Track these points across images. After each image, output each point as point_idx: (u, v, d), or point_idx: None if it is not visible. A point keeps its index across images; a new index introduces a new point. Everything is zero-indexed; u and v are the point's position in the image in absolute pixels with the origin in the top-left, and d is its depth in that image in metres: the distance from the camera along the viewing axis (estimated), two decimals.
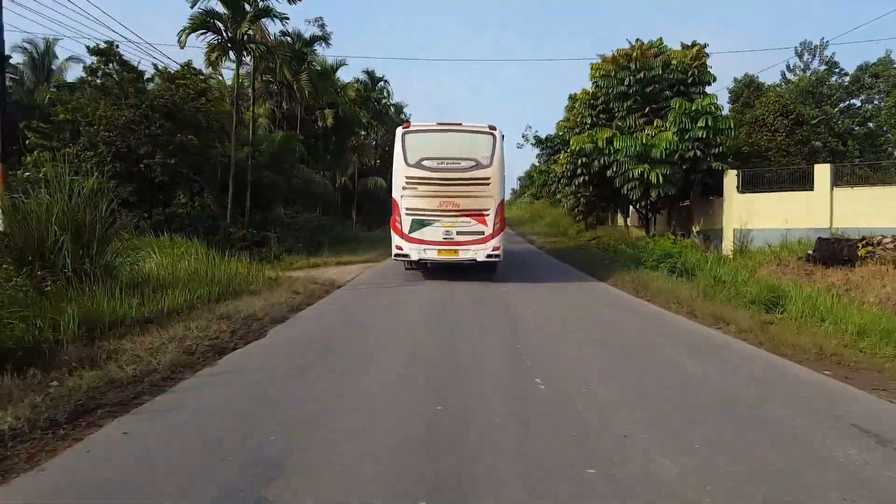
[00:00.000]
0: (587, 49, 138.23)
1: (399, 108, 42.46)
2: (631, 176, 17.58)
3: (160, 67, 16.90)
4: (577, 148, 18.92)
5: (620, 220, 32.23)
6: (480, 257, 11.07)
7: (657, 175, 16.94)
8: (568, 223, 36.06)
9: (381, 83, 37.62)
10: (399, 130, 11.35)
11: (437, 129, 11.16)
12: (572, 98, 24.77)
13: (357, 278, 12.48)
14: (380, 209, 37.96)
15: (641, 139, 17.41)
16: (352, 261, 16.43)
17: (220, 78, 23.79)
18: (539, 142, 22.14)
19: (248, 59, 18.19)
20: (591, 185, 20.14)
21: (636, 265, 13.53)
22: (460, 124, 11.17)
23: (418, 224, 10.98)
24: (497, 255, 11.19)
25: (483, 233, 11.00)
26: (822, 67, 38.03)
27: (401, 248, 11.19)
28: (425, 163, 10.93)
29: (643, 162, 17.41)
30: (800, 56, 39.71)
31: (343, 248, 19.44)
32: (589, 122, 20.79)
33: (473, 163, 10.93)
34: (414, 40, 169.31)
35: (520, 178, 73.34)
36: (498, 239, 11.11)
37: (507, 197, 61.57)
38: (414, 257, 11.17)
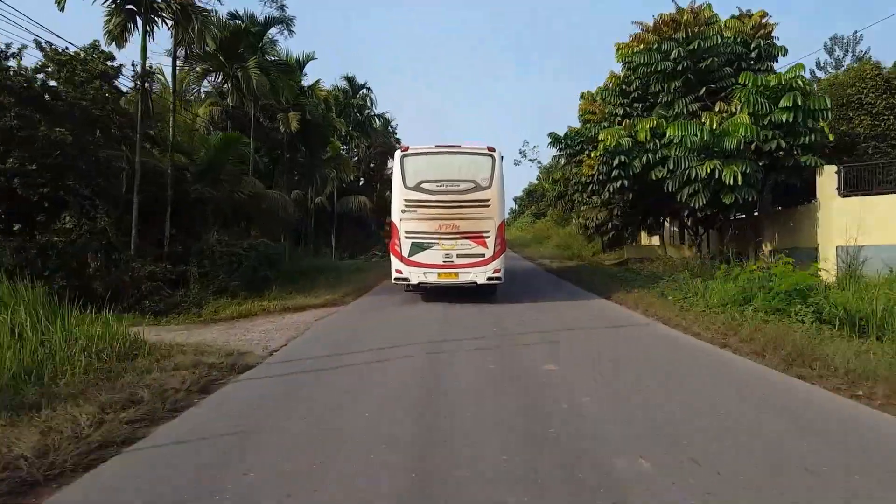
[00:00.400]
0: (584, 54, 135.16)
1: (386, 121, 38.13)
2: (693, 176, 12.77)
3: (45, 45, 12.09)
4: (613, 144, 14.19)
5: (645, 238, 27.42)
6: (481, 280, 10.69)
7: (733, 174, 12.14)
8: (580, 244, 31.25)
9: (364, 90, 33.28)
10: (398, 154, 11.12)
11: (435, 152, 10.91)
12: (587, 96, 20.25)
13: (291, 344, 7.43)
14: (363, 232, 33.08)
15: (709, 124, 12.66)
16: (306, 305, 11.43)
17: (162, 78, 19.13)
18: (556, 141, 17.34)
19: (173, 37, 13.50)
20: (630, 192, 15.35)
21: (738, 306, 8.62)
22: (459, 146, 10.96)
23: (418, 247, 10.69)
24: (498, 278, 10.80)
25: (483, 255, 10.66)
26: (856, 64, 34.21)
27: (400, 272, 10.86)
28: (424, 185, 10.69)
29: (710, 157, 12.66)
30: (830, 52, 35.88)
31: (305, 283, 14.43)
32: (620, 112, 16.14)
33: (472, 184, 10.68)
34: (404, 57, 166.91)
35: (517, 198, 70.16)
36: (499, 261, 10.76)
37: (506, 217, 57.37)
38: (414, 281, 10.81)
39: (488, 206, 10.63)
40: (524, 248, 39.57)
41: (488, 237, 10.62)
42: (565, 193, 22.67)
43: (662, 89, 14.88)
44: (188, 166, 14.92)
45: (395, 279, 10.99)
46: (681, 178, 13.17)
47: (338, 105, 29.35)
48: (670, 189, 13.54)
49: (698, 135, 12.57)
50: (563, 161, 21.76)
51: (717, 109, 13.71)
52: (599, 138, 15.06)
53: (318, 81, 24.35)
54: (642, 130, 14.00)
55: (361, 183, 35.95)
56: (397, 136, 38.97)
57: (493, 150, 10.81)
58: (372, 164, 37.09)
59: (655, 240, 25.94)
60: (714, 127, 12.57)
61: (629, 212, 17.66)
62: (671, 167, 13.27)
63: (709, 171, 12.32)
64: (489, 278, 10.64)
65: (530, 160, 60.27)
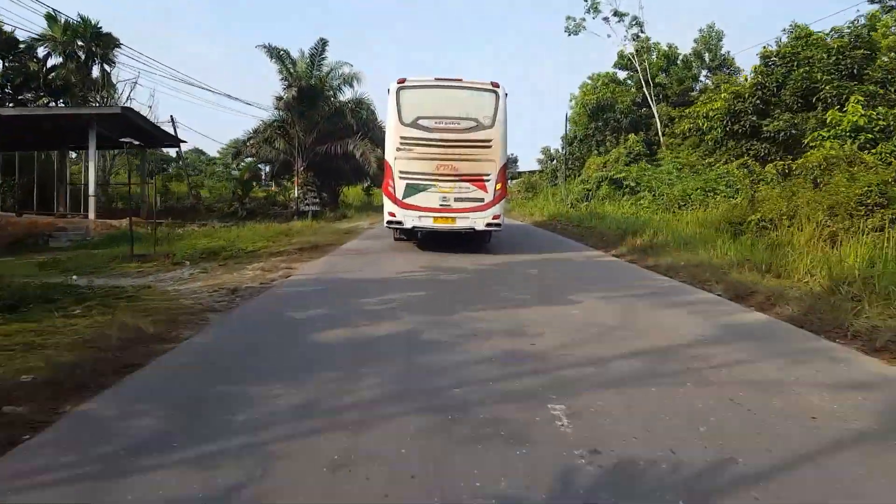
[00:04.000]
0: None
1: None
2: None
3: None
4: None
5: None
6: (479, 226, 10.62)
7: None
8: None
9: None
10: (393, 85, 10.57)
11: (435, 86, 10.66)
12: None
13: None
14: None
15: None
16: None
17: None
18: None
19: None
20: None
21: None
22: (461, 80, 10.64)
23: (413, 189, 10.51)
24: (497, 225, 10.77)
25: (483, 199, 10.51)
26: None
27: (394, 215, 10.72)
28: (422, 122, 10.42)
29: None
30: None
31: None
32: None
33: (474, 123, 10.46)
34: None
35: (543, 155, 36.46)
36: (499, 206, 10.65)
37: (515, 181, 43.04)
38: (408, 225, 10.76)
39: (490, 146, 10.41)
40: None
41: (489, 181, 10.44)
42: None
43: None
44: None
45: (388, 223, 10.90)
46: None
47: None
48: None
49: None
50: None
51: None
52: None
53: None
54: None
55: None
56: None
57: (498, 85, 10.53)
58: None
59: None
60: None
61: None
62: None
63: None
64: (488, 224, 10.59)
65: (618, 16, 26.75)
